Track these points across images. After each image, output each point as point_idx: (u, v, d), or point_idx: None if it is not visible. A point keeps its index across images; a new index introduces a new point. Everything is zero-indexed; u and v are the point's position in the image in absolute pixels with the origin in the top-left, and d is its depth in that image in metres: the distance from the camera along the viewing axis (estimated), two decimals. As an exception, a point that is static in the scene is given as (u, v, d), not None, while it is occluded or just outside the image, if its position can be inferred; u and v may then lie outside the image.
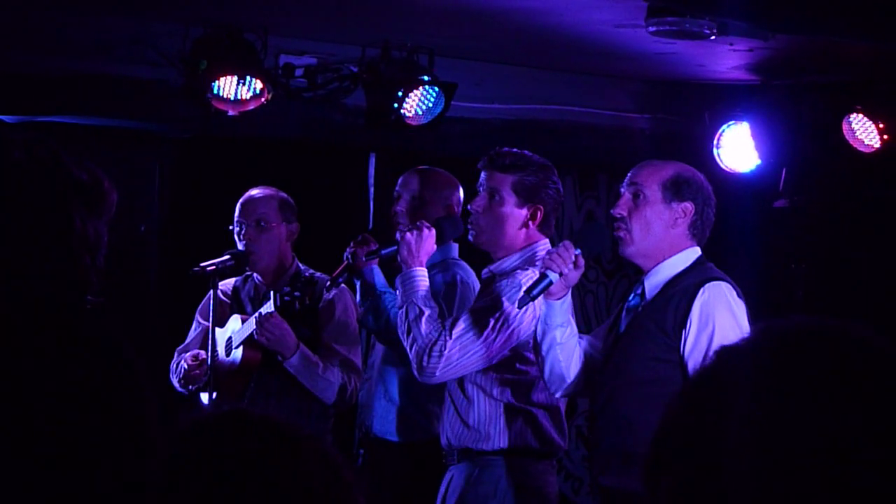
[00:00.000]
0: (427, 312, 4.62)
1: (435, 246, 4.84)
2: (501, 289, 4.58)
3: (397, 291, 4.74)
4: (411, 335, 4.61)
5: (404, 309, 4.65)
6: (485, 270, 4.77)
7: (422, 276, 4.70)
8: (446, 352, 4.56)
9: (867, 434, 1.21)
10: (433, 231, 4.80)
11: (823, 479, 1.20)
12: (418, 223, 4.83)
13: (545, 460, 4.70)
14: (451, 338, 4.57)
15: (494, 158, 4.75)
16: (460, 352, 4.58)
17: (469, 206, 4.77)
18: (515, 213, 4.70)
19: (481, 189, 4.75)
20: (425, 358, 4.57)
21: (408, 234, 4.75)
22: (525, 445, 4.64)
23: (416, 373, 4.64)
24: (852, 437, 1.21)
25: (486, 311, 4.60)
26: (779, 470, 1.21)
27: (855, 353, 1.27)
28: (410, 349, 4.62)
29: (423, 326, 4.60)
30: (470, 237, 4.78)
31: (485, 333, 4.58)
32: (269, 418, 1.49)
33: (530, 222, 4.70)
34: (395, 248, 4.81)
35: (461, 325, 4.60)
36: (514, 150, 4.78)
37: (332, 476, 1.45)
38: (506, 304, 4.53)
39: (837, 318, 1.31)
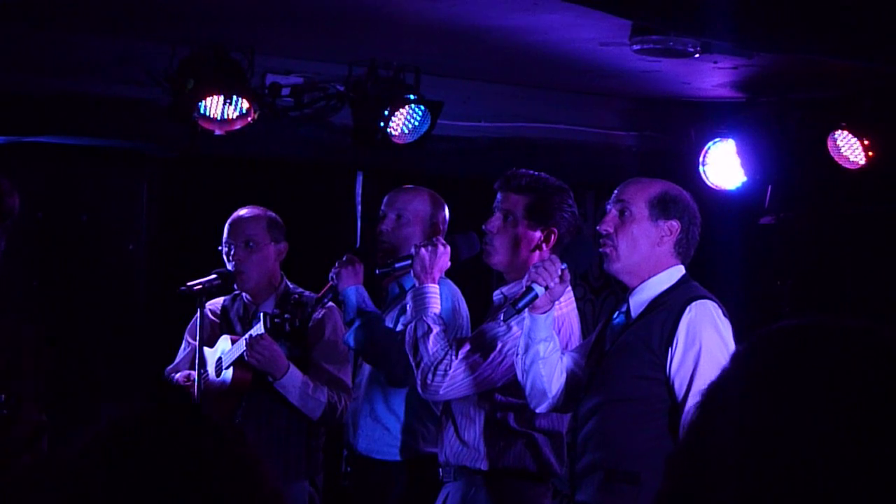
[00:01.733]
0: (435, 330, 4.62)
1: (449, 263, 4.84)
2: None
3: (407, 306, 4.75)
4: (418, 352, 4.62)
5: (413, 325, 4.66)
6: (496, 293, 4.76)
7: (433, 294, 4.70)
8: (451, 371, 4.57)
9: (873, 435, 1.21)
10: (448, 248, 4.80)
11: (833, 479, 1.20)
12: (434, 239, 4.84)
13: (541, 484, 4.70)
14: (457, 358, 4.58)
15: (510, 179, 4.75)
16: (465, 372, 4.58)
17: (483, 227, 4.76)
18: (529, 235, 4.70)
19: (496, 210, 4.75)
20: (430, 376, 4.58)
21: (422, 249, 4.75)
22: (522, 468, 4.63)
23: (419, 389, 4.65)
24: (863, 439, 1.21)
25: (495, 334, 4.60)
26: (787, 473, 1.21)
27: (860, 352, 1.27)
28: (417, 366, 4.62)
29: (431, 344, 4.60)
30: (483, 258, 4.79)
31: (491, 356, 4.58)
32: (186, 415, 1.49)
33: (544, 245, 4.69)
34: (409, 262, 4.81)
35: (468, 346, 4.60)
36: (531, 171, 4.77)
37: (245, 474, 1.45)
38: (514, 328, 4.53)
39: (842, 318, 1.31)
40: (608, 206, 4.31)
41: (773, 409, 1.26)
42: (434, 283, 4.73)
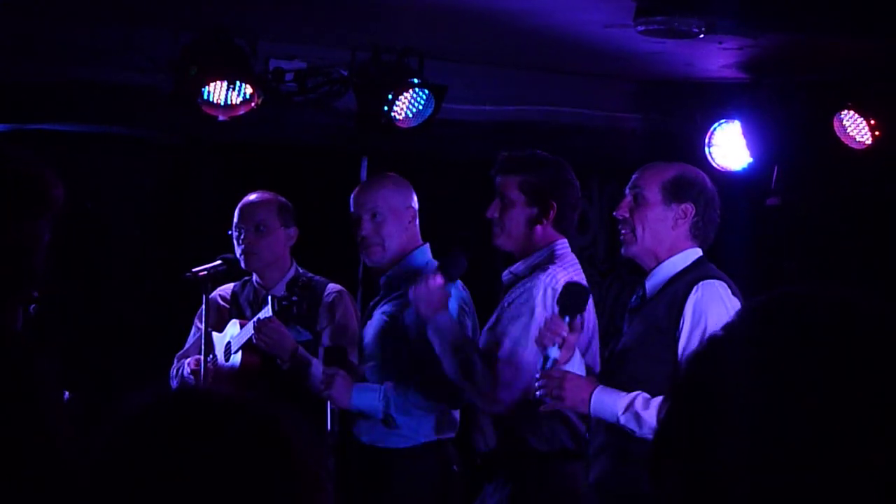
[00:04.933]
0: (473, 357, 4.66)
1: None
2: (531, 293, 4.62)
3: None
4: (473, 378, 4.65)
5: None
6: (505, 273, 4.79)
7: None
8: (501, 377, 4.59)
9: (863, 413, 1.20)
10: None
11: (823, 464, 1.19)
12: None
13: (578, 461, 4.71)
14: (499, 361, 4.61)
15: (501, 162, 4.80)
16: (513, 371, 4.60)
17: (486, 214, 4.80)
18: (527, 213, 4.73)
19: (495, 194, 4.81)
20: (492, 391, 4.61)
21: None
22: (562, 447, 4.66)
23: (486, 409, 4.70)
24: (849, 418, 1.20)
25: (522, 322, 4.63)
26: (774, 459, 1.20)
27: (847, 323, 1.25)
28: (475, 391, 4.68)
29: (478, 366, 4.63)
30: (492, 242, 4.82)
31: (530, 343, 4.59)
32: (224, 399, 1.47)
33: (545, 220, 4.73)
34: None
35: (506, 346, 4.63)
36: (522, 151, 4.81)
37: (289, 459, 1.43)
38: (538, 309, 4.56)
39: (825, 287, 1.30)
40: (626, 191, 4.37)
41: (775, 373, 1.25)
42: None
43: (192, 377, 5.33)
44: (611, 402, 4.13)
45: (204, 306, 5.30)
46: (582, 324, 4.27)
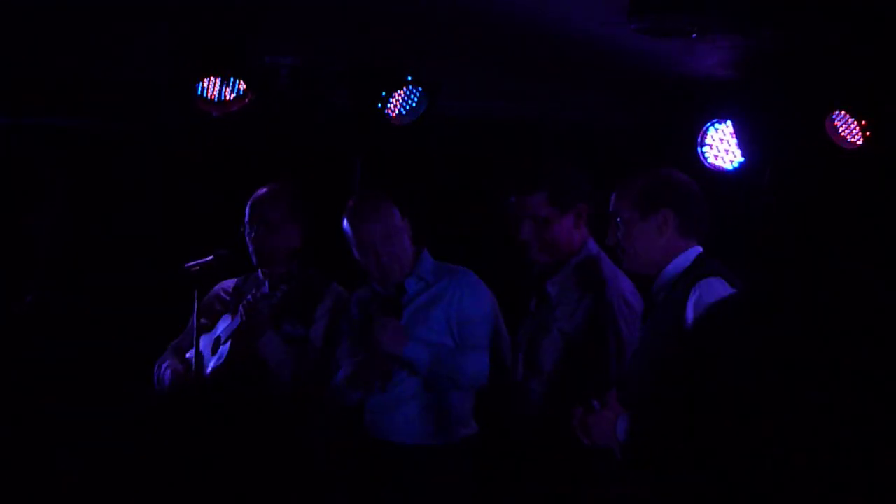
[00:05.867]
0: None
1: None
2: (612, 308, 4.75)
3: None
4: None
5: None
6: (551, 286, 4.82)
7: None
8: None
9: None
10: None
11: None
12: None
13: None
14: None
15: (520, 185, 4.80)
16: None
17: (521, 236, 4.80)
18: (563, 223, 4.79)
19: (520, 217, 4.83)
20: None
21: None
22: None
23: None
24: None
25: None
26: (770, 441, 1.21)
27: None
28: None
29: None
30: (532, 258, 4.84)
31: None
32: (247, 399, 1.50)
33: (580, 223, 4.77)
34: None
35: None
36: (531, 166, 4.84)
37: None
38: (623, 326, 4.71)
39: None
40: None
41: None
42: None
43: (173, 378, 5.35)
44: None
45: (196, 301, 5.32)
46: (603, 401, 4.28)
